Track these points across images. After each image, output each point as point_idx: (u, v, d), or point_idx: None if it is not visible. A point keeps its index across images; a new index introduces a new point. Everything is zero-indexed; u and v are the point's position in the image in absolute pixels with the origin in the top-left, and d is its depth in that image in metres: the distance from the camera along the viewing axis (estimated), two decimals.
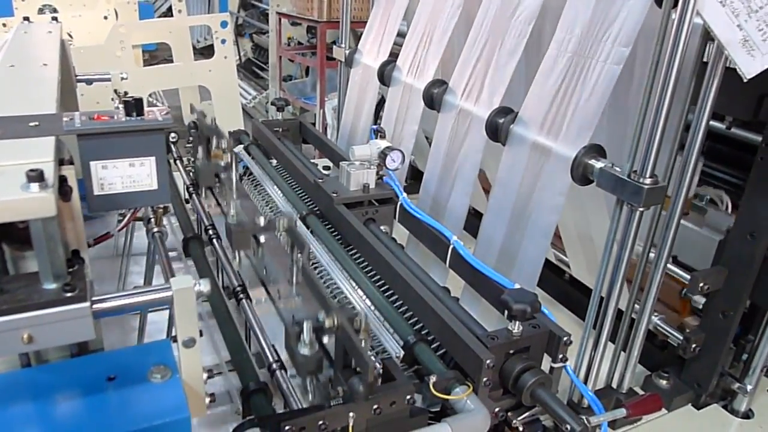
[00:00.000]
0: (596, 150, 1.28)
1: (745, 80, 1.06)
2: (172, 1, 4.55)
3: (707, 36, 1.14)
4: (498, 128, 1.48)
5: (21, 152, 0.83)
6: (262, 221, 1.43)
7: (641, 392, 1.51)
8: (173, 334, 0.90)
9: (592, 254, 1.59)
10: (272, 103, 2.28)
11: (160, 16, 9.02)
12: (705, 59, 1.18)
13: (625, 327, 1.38)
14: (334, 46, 2.31)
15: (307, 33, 5.78)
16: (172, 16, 9.94)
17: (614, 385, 1.46)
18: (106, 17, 3.85)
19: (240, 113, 3.33)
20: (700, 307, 1.50)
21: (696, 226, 1.56)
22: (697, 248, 1.53)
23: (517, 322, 1.14)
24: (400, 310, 1.34)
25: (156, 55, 5.57)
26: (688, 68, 1.16)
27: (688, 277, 1.44)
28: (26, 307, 0.74)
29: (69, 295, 0.76)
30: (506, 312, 1.25)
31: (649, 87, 1.13)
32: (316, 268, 1.47)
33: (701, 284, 1.36)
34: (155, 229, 1.25)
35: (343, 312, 1.03)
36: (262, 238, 1.53)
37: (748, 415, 1.51)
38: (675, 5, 1.07)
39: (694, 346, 1.44)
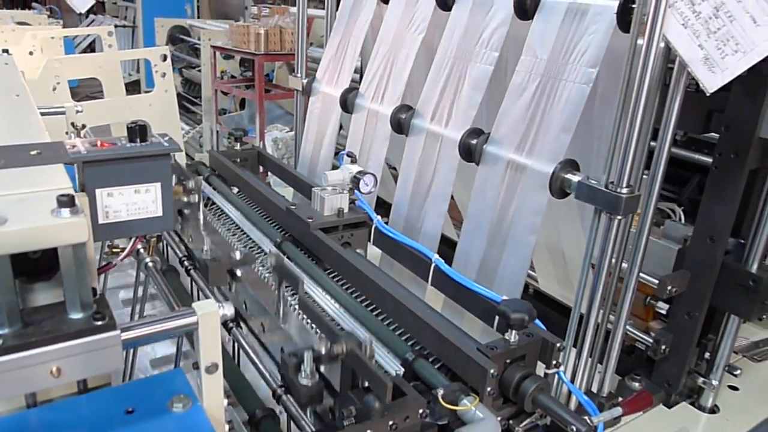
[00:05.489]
0: (571, 164, 1.36)
1: (708, 94, 1.17)
2: (102, 37, 4.45)
3: (668, 58, 1.25)
4: (471, 149, 1.54)
5: (34, 180, 0.80)
6: (238, 255, 1.42)
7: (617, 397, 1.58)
8: (184, 361, 0.88)
9: (562, 268, 1.66)
10: (230, 134, 2.27)
11: (80, 52, 8.77)
12: (666, 82, 1.29)
13: (600, 336, 1.45)
14: (290, 76, 2.33)
15: (240, 66, 5.76)
16: (92, 51, 9.68)
17: (594, 390, 1.52)
18: (31, 53, 3.74)
19: (182, 147, 3.29)
20: (663, 312, 1.59)
21: (655, 237, 1.66)
22: (657, 258, 1.63)
23: (514, 332, 1.18)
24: (391, 328, 1.35)
25: (77, 91, 5.40)
26: (653, 87, 1.26)
27: (653, 283, 1.53)
28: (56, 339, 0.71)
29: (99, 323, 0.74)
30: (496, 323, 1.30)
31: (621, 105, 1.22)
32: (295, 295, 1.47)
33: (668, 287, 1.46)
34: (147, 260, 1.21)
35: (351, 339, 1.04)
36: (239, 273, 1.52)
37: (713, 410, 1.61)
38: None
39: (663, 347, 1.53)
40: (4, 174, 0.82)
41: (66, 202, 0.70)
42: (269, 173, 2.40)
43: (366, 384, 1.08)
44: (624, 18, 1.29)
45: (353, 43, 2.01)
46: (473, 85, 1.57)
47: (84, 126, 2.07)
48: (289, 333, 1.32)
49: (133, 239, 1.03)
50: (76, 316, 0.75)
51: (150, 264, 1.19)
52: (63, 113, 1.89)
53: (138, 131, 0.95)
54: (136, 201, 0.95)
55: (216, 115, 5.08)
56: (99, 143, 0.94)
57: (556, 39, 1.41)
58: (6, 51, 1.85)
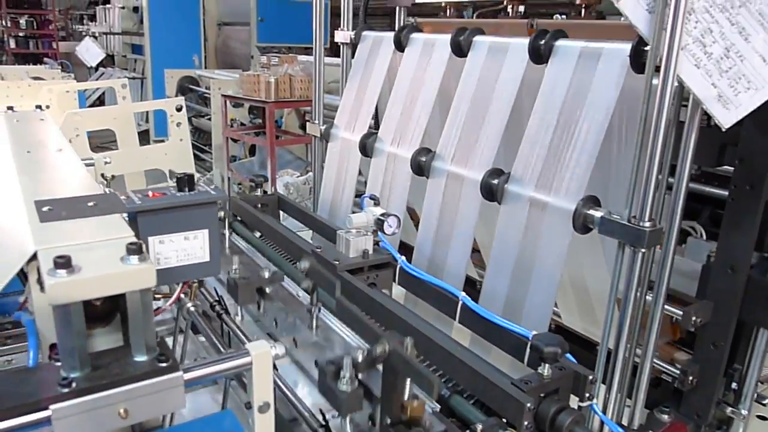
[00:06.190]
0: (592, 200, 1.40)
1: (723, 130, 1.22)
2: (116, 89, 4.58)
3: (682, 96, 1.30)
4: (493, 188, 1.58)
5: (96, 229, 0.85)
6: (266, 274, 1.47)
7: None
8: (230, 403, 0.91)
9: (585, 302, 1.69)
10: (251, 180, 2.32)
11: (91, 104, 8.97)
12: (681, 119, 1.34)
13: (628, 370, 1.47)
14: (308, 123, 2.41)
15: (249, 113, 5.89)
16: (102, 102, 9.85)
17: (624, 423, 1.53)
18: (48, 106, 3.86)
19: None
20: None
21: (678, 255, 1.69)
22: (682, 276, 1.65)
23: (547, 365, 1.21)
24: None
25: (89, 143, 5.53)
26: (670, 125, 1.31)
27: (678, 314, 1.55)
28: (124, 381, 0.74)
29: (163, 365, 0.77)
30: (527, 358, 1.32)
31: (639, 142, 1.27)
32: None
33: (693, 317, 1.48)
34: (189, 304, 1.25)
35: (394, 337, 1.07)
36: (268, 290, 1.56)
37: None
38: (656, 70, 1.23)
39: (691, 378, 1.55)
40: (68, 225, 0.87)
41: (135, 249, 0.75)
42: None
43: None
44: (637, 60, 1.35)
45: (371, 90, 2.09)
46: (492, 128, 1.63)
47: (113, 177, 2.14)
48: (323, 345, 1.37)
49: (180, 284, 1.06)
50: (141, 358, 0.78)
51: (192, 308, 1.23)
52: (92, 164, 1.96)
53: (187, 181, 1.01)
54: (186, 247, 1.00)
55: (227, 162, 5.18)
56: (150, 193, 0.99)
57: (571, 81, 1.47)
58: (39, 107, 1.94)
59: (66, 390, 0.72)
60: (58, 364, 0.76)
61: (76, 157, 1.26)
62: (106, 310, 0.85)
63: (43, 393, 0.72)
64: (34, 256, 0.79)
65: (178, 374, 0.78)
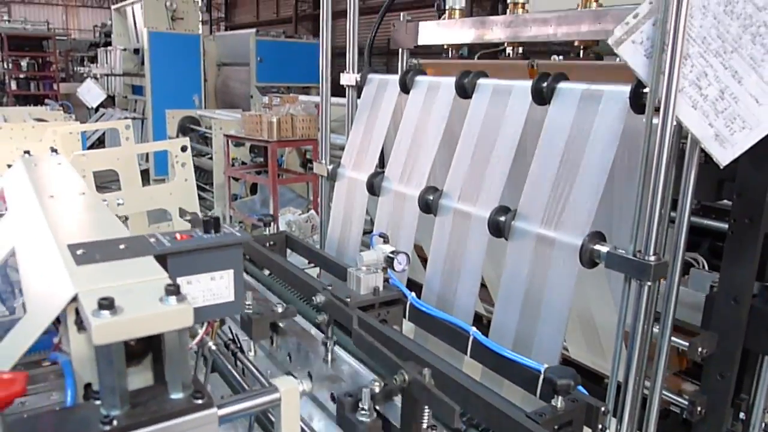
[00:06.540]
0: (598, 236, 1.45)
1: (721, 167, 1.28)
2: (120, 130, 4.65)
3: (681, 135, 1.36)
4: (500, 225, 1.63)
5: (130, 271, 0.89)
6: (280, 309, 1.51)
7: None
8: None
9: (592, 335, 1.72)
10: (259, 220, 2.37)
11: (91, 144, 9.06)
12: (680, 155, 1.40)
13: (638, 402, 1.49)
14: (315, 163, 2.47)
15: (250, 152, 5.98)
16: (102, 142, 9.92)
17: None
18: (52, 148, 3.92)
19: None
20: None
21: (681, 286, 1.73)
22: (686, 307, 1.68)
23: (560, 398, 1.24)
24: None
25: None
26: (670, 162, 1.37)
27: (684, 345, 1.59)
28: (163, 417, 0.78)
29: (199, 402, 0.81)
30: (539, 391, 1.35)
31: (642, 179, 1.32)
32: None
33: (699, 348, 1.52)
34: (210, 343, 1.27)
35: (413, 368, 1.11)
36: (282, 324, 1.60)
37: None
38: (656, 110, 1.29)
39: (699, 408, 1.57)
40: (103, 267, 0.90)
41: (173, 290, 0.79)
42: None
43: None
44: (636, 101, 1.41)
45: (377, 131, 2.15)
46: (497, 166, 1.69)
47: (127, 218, 2.19)
48: (338, 378, 1.39)
49: (205, 324, 1.10)
50: (178, 395, 0.81)
51: (213, 347, 1.26)
52: (105, 205, 2.01)
53: (213, 223, 1.05)
54: (212, 288, 1.03)
55: (230, 200, 5.24)
56: (178, 236, 1.03)
57: (574, 121, 1.53)
58: (55, 150, 1.99)
59: (107, 428, 0.75)
60: (97, 402, 0.80)
61: (98, 200, 1.30)
62: (140, 350, 0.88)
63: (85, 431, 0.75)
64: (74, 298, 0.82)
65: (213, 411, 0.81)
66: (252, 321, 1.57)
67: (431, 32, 2.18)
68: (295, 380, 0.90)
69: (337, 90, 2.45)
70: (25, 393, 0.77)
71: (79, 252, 0.95)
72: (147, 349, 0.89)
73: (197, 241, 1.02)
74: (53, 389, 0.91)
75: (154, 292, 0.80)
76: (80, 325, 0.85)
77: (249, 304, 1.60)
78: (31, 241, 1.14)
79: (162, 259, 0.99)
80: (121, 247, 0.99)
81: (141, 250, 0.98)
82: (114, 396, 0.77)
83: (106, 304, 0.74)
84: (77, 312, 0.83)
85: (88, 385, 0.88)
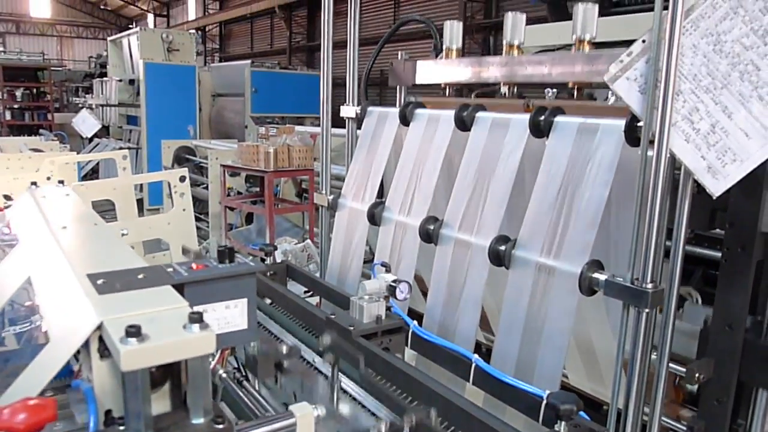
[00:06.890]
0: (596, 264, 1.49)
1: (714, 198, 1.33)
2: (117, 161, 4.68)
3: (674, 166, 1.42)
4: (500, 254, 1.67)
5: (151, 300, 0.92)
6: (284, 348, 1.52)
7: None
8: None
9: (591, 362, 1.75)
10: (260, 249, 2.40)
11: (84, 175, 9.09)
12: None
13: (638, 429, 1.52)
14: (315, 193, 2.51)
15: (246, 182, 6.02)
16: (95, 172, 9.92)
17: None
18: (49, 178, 3.95)
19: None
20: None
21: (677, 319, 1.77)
22: (682, 339, 1.72)
23: (563, 423, 1.26)
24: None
25: None
26: (665, 193, 1.42)
27: (682, 372, 1.62)
28: None
29: (219, 426, 0.83)
30: (542, 416, 1.38)
31: (638, 209, 1.37)
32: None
33: (696, 374, 1.55)
34: (221, 371, 1.29)
35: (420, 411, 1.13)
36: (286, 364, 1.61)
37: None
38: (650, 143, 1.35)
39: None
40: (124, 296, 0.94)
41: (196, 318, 0.82)
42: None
43: None
44: (631, 134, 1.47)
45: (377, 162, 2.20)
46: (496, 196, 1.74)
47: (133, 247, 2.21)
48: (344, 418, 1.40)
49: (219, 351, 1.13)
50: (199, 420, 0.84)
51: (224, 375, 1.28)
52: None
53: (227, 254, 1.09)
54: (226, 315, 1.07)
55: (225, 230, 5.26)
56: (194, 266, 1.07)
57: (571, 153, 1.59)
58: (61, 182, 2.02)
59: None
60: (121, 428, 0.82)
61: (111, 230, 1.34)
62: (161, 377, 0.91)
63: None
64: (98, 327, 0.85)
65: None
66: (257, 361, 1.58)
67: (429, 70, 2.25)
68: (310, 406, 0.93)
69: (333, 120, 2.50)
70: (56, 419, 0.79)
71: (99, 282, 0.99)
72: (166, 376, 0.92)
73: (213, 270, 1.06)
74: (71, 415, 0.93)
75: (178, 320, 0.83)
76: (103, 352, 0.87)
77: (253, 345, 1.61)
78: (47, 271, 1.17)
79: (179, 288, 1.02)
80: (140, 276, 1.02)
81: (159, 280, 1.01)
82: (139, 421, 0.80)
83: (134, 331, 0.77)
84: (101, 340, 0.86)
85: (108, 412, 0.91)
